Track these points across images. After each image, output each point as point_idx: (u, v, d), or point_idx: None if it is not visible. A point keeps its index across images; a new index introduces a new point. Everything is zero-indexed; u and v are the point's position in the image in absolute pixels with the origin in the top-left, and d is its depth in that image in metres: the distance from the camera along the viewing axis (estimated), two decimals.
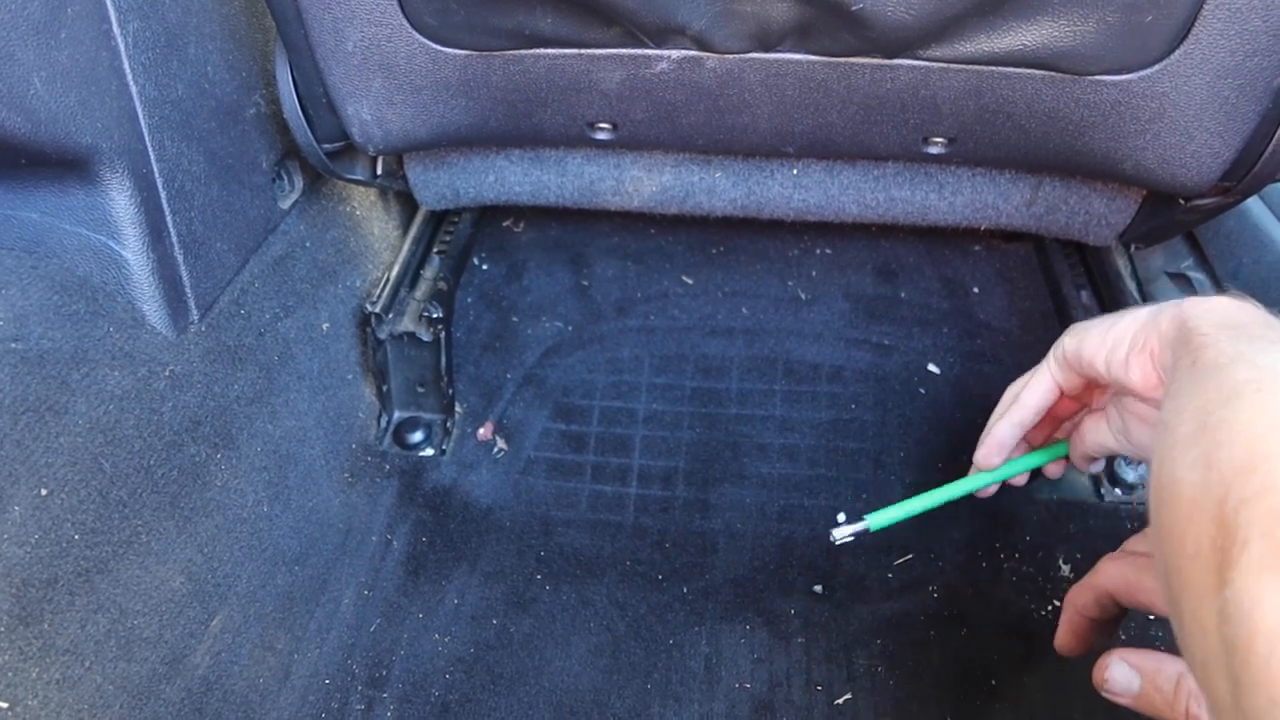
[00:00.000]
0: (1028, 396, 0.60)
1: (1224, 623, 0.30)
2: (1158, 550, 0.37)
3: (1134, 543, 0.52)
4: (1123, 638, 0.79)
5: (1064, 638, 0.57)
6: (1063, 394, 0.59)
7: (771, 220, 0.97)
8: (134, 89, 0.68)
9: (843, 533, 0.64)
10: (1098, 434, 0.59)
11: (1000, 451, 0.63)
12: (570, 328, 1.10)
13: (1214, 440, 0.34)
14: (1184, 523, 0.33)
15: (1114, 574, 0.51)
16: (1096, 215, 0.89)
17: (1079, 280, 1.01)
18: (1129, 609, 0.53)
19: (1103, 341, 0.51)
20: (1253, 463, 0.32)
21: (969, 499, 0.92)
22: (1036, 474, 0.68)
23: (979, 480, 0.66)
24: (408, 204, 1.12)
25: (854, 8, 0.61)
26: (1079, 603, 0.55)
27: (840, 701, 0.78)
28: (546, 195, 0.97)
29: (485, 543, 0.91)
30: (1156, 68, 0.64)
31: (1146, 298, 1.01)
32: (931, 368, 1.04)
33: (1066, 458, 0.65)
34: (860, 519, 0.64)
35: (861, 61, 0.68)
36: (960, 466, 0.94)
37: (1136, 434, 0.56)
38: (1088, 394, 0.61)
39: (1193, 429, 0.35)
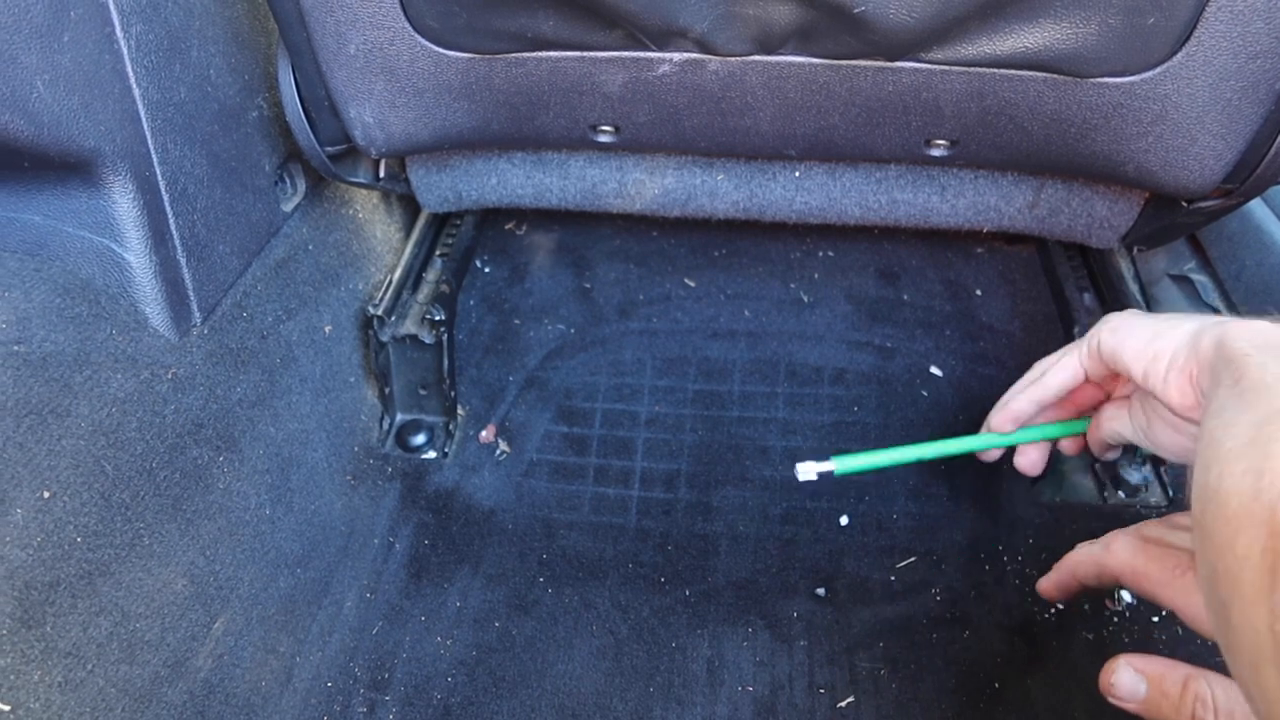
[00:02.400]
0: (1052, 377, 0.60)
1: (1276, 621, 0.31)
2: (1201, 553, 0.38)
3: (1149, 527, 0.52)
4: (1125, 641, 0.79)
5: (1049, 589, 0.58)
6: (1087, 379, 0.59)
7: (774, 223, 0.97)
8: (137, 92, 0.68)
9: (807, 469, 0.63)
10: (1117, 423, 0.59)
11: (1015, 422, 0.63)
12: (572, 330, 1.10)
13: (1264, 453, 0.35)
14: (1233, 529, 0.35)
15: (1123, 557, 0.51)
16: (1099, 218, 0.89)
17: (1082, 283, 1.01)
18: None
19: (1143, 352, 0.51)
20: None
21: (971, 499, 0.92)
22: (1040, 475, 0.67)
23: (984, 440, 0.65)
24: (410, 207, 1.12)
25: (856, 10, 0.61)
26: (1079, 572, 0.55)
27: (843, 704, 0.78)
28: (549, 198, 0.97)
29: (487, 545, 0.91)
30: (1159, 70, 0.64)
31: (1149, 300, 1.01)
32: (934, 370, 1.04)
33: (1083, 437, 0.64)
34: (826, 459, 0.63)
35: (864, 64, 0.68)
36: (963, 470, 0.94)
37: (1159, 435, 0.55)
38: (1111, 382, 0.61)
39: (1242, 443, 0.36)
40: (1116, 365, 0.54)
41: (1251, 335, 0.43)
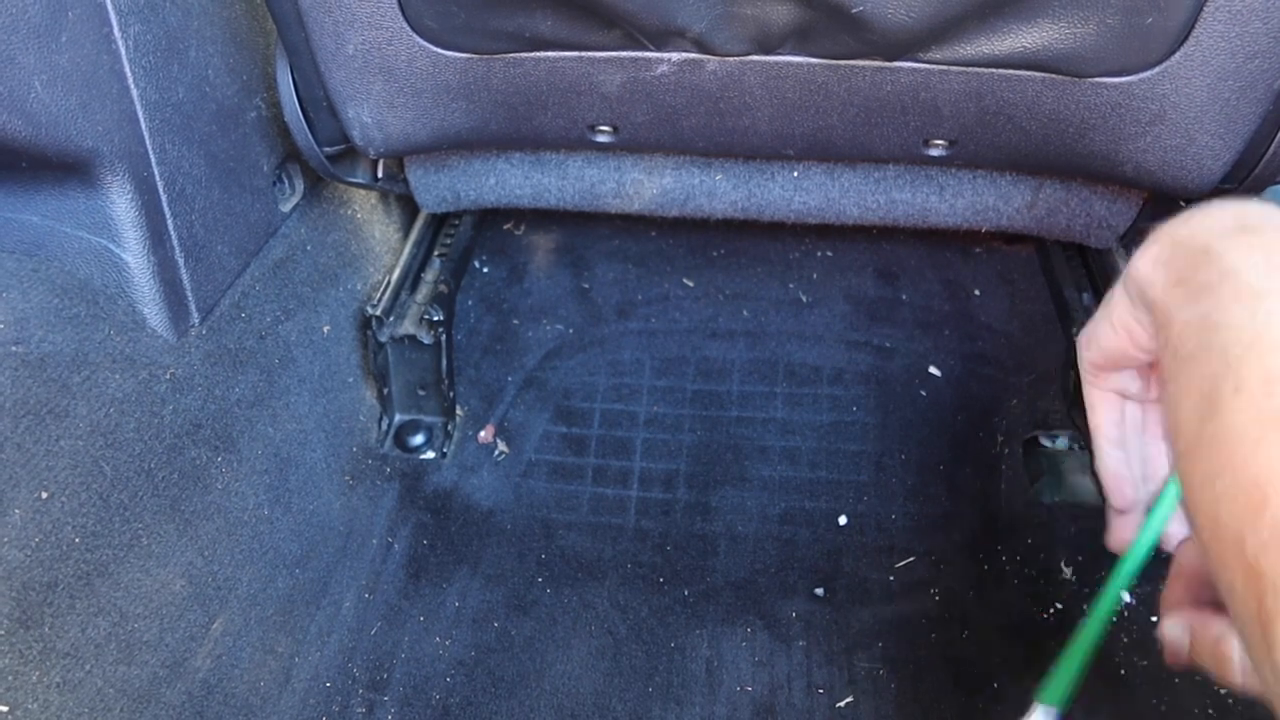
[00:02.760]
0: (1095, 419, 0.55)
1: (1277, 682, 0.29)
2: (1206, 558, 0.35)
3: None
4: (1124, 640, 0.79)
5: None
6: (1124, 398, 0.56)
7: (772, 223, 0.97)
8: (135, 92, 0.68)
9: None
10: None
11: (1129, 487, 0.54)
12: (571, 330, 1.10)
13: (1215, 466, 0.32)
14: (1217, 542, 0.32)
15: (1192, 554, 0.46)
16: (1098, 217, 0.89)
17: (1081, 283, 1.01)
18: None
19: (1114, 331, 0.49)
20: (1260, 497, 0.30)
21: (970, 499, 0.92)
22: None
23: (1134, 560, 0.49)
24: (408, 207, 1.12)
25: (854, 10, 0.61)
26: (1172, 600, 0.47)
27: (842, 704, 0.78)
28: (547, 198, 0.97)
29: (486, 545, 0.91)
30: (1157, 70, 0.64)
31: None
32: (933, 370, 1.04)
33: None
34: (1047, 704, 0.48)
35: (862, 64, 0.68)
36: (962, 469, 0.94)
37: None
38: (1147, 385, 0.57)
39: (1190, 437, 0.34)
40: (1114, 360, 0.51)
41: (1154, 274, 0.42)
